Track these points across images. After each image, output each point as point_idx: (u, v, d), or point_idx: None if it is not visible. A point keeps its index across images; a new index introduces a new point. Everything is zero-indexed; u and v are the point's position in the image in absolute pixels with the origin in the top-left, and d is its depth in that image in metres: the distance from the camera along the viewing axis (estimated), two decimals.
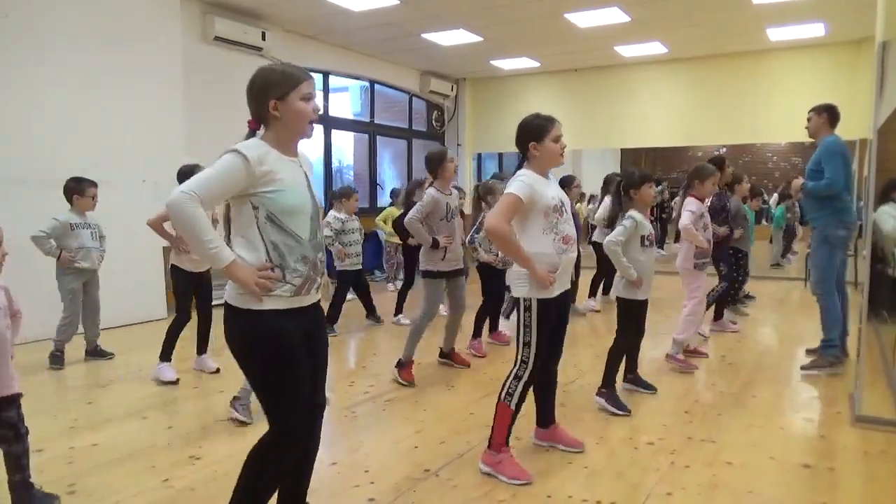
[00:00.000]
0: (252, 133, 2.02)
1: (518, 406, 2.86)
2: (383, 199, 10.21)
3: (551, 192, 2.85)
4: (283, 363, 1.97)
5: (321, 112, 2.04)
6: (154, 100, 6.46)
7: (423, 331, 4.38)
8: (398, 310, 6.40)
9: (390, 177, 11.29)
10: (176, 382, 4.25)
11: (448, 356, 4.71)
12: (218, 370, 4.45)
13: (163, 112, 6.54)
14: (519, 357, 2.86)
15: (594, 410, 3.72)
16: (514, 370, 2.86)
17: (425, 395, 4.04)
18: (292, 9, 7.50)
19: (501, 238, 2.74)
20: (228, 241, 2.01)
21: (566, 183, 6.33)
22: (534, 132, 2.85)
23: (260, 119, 2.00)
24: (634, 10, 7.59)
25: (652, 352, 4.90)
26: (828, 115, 4.52)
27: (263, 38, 7.60)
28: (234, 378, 4.17)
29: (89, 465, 2.94)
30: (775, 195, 11.12)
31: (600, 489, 2.74)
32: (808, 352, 4.82)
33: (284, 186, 1.93)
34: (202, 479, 2.84)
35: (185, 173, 4.30)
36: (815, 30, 8.36)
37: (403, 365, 4.36)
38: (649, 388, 4.00)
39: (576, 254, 2.96)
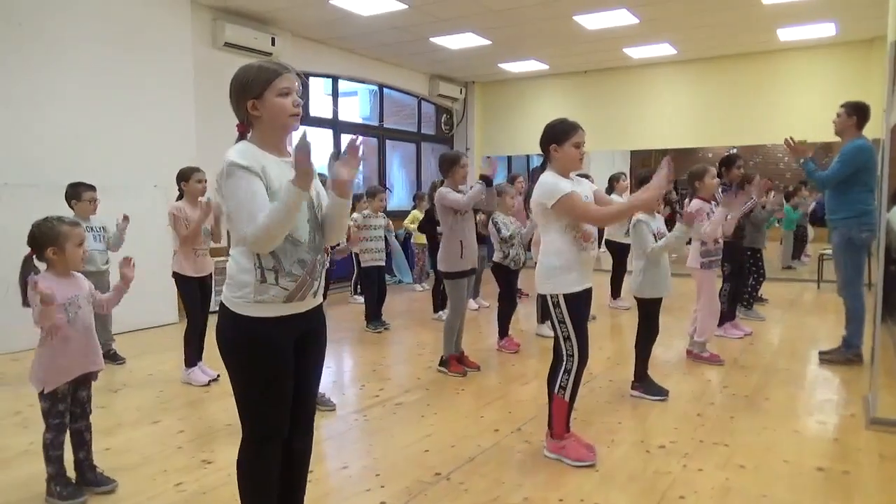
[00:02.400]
0: (242, 137, 1.96)
1: (573, 397, 3.03)
2: (392, 202, 10.22)
3: (578, 190, 2.96)
4: (266, 373, 1.93)
5: (301, 105, 1.98)
6: (165, 105, 6.51)
7: (455, 328, 4.55)
8: (441, 306, 6.48)
9: (399, 180, 11.30)
10: (208, 384, 4.32)
11: (445, 364, 4.62)
12: (218, 376, 4.39)
13: (174, 118, 6.59)
14: (564, 353, 2.99)
15: (604, 414, 3.71)
16: (564, 365, 2.99)
17: (435, 399, 4.03)
18: (301, 14, 7.54)
19: (607, 219, 3.28)
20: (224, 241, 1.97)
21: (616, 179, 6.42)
22: (556, 135, 2.99)
23: (244, 121, 1.95)
24: (643, 12, 7.57)
25: (664, 353, 4.88)
26: (857, 117, 4.47)
27: (273, 44, 7.65)
28: None
29: (103, 467, 2.94)
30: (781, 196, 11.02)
31: (612, 493, 2.72)
32: (822, 353, 4.80)
33: (276, 189, 1.85)
34: (214, 483, 2.85)
35: (182, 174, 4.47)
36: (826, 29, 8.31)
37: (447, 362, 4.57)
38: (659, 394, 3.97)
39: (595, 251, 3.12)
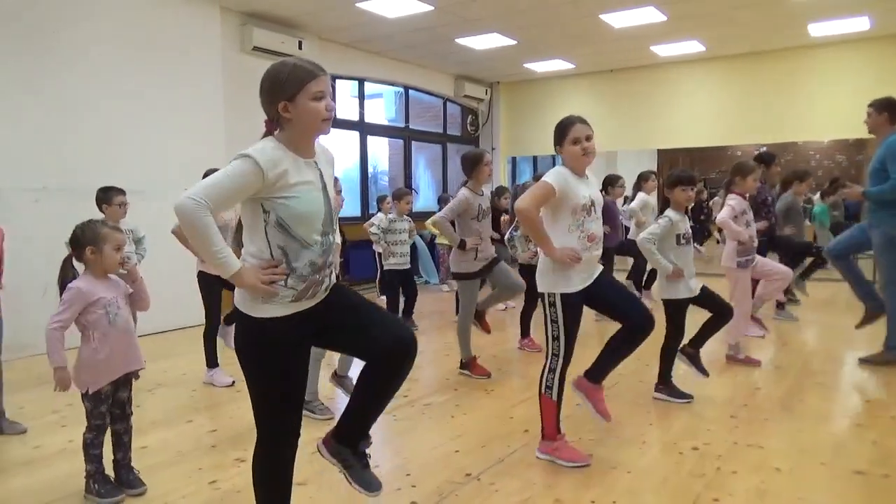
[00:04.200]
0: (269, 134, 1.94)
1: (559, 396, 2.99)
2: (418, 204, 10.25)
3: (584, 190, 2.95)
4: (276, 373, 1.94)
5: (334, 109, 1.95)
6: (195, 109, 6.62)
7: (469, 329, 4.52)
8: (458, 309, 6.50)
9: (425, 181, 11.33)
10: (232, 384, 4.36)
11: (481, 316, 4.67)
12: (234, 382, 4.43)
13: (203, 121, 6.70)
14: (550, 351, 2.99)
15: (634, 415, 3.68)
16: (548, 364, 2.99)
17: (464, 400, 4.04)
18: (328, 18, 7.61)
19: (527, 217, 2.87)
20: (238, 249, 1.96)
21: (611, 182, 6.33)
22: (556, 135, 3.01)
23: (273, 120, 1.93)
24: (671, 9, 7.49)
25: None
26: (888, 112, 4.40)
27: (300, 48, 7.73)
28: None
29: (139, 466, 2.99)
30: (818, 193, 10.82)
31: (645, 494, 2.70)
32: (862, 359, 4.70)
33: (298, 192, 1.85)
34: (248, 481, 2.82)
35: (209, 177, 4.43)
36: (860, 24, 8.13)
37: (468, 364, 4.55)
38: (683, 397, 3.92)
39: (600, 252, 3.06)
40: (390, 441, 3.39)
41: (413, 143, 10.64)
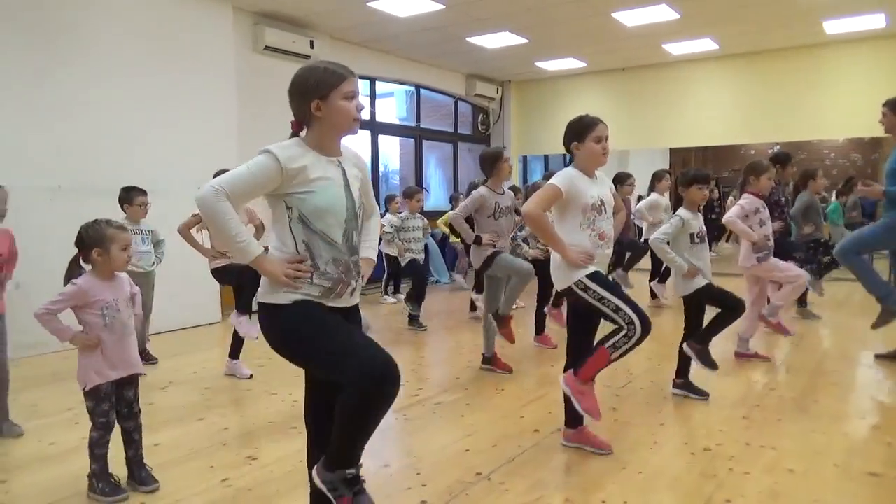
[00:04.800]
0: (295, 134, 2.00)
1: (617, 358, 2.90)
2: (429, 203, 10.26)
3: (592, 190, 2.94)
4: (327, 328, 1.91)
5: (364, 109, 2.01)
6: (207, 109, 6.66)
7: (521, 290, 4.42)
8: (473, 307, 6.56)
9: (436, 180, 11.33)
10: (251, 377, 4.42)
11: (504, 323, 4.51)
12: (251, 376, 4.48)
13: (216, 121, 6.73)
14: (623, 323, 2.84)
15: (646, 415, 3.66)
16: (625, 331, 2.85)
17: (475, 399, 4.03)
18: (340, 17, 7.62)
19: (534, 220, 2.87)
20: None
21: (621, 180, 6.30)
22: (578, 131, 2.97)
23: (302, 119, 1.98)
24: (684, 7, 7.44)
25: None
26: None
27: (312, 47, 7.76)
28: (281, 380, 4.26)
29: (152, 463, 3.01)
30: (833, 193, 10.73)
31: (656, 495, 2.69)
32: (879, 356, 4.68)
33: (317, 188, 1.91)
34: (259, 479, 2.90)
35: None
36: (876, 21, 8.03)
37: (491, 359, 4.54)
38: (701, 394, 3.90)
39: (611, 250, 3.05)
40: (401, 440, 3.40)
41: (424, 142, 10.64)
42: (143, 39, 6.11)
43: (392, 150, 10.61)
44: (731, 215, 4.51)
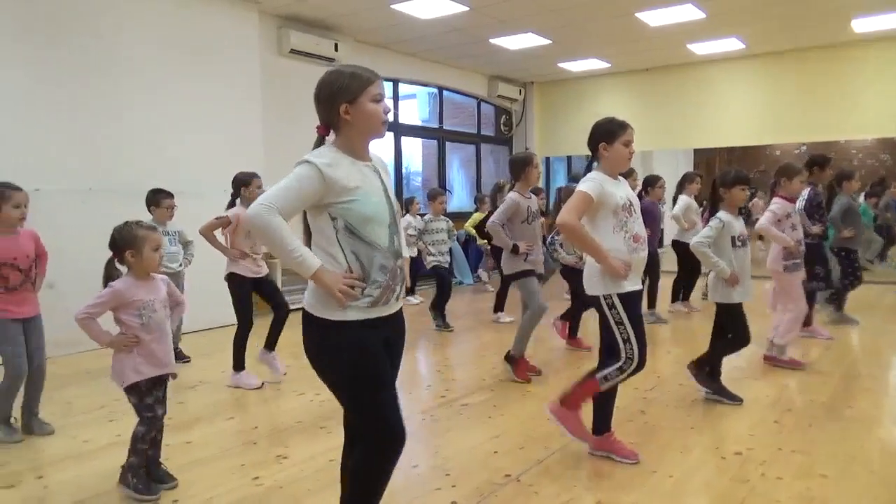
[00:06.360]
0: (321, 139, 1.98)
1: (607, 393, 2.99)
2: (452, 204, 10.27)
3: (620, 191, 2.95)
4: (369, 372, 1.94)
5: (391, 112, 2.01)
6: (234, 112, 6.74)
7: (532, 328, 4.41)
8: (497, 308, 6.54)
9: (459, 182, 11.34)
10: (261, 386, 4.36)
11: (517, 362, 4.48)
12: (263, 384, 4.42)
13: (242, 124, 6.81)
14: (623, 354, 2.89)
15: (675, 419, 3.63)
16: (620, 363, 2.90)
17: (501, 400, 4.03)
18: (363, 19, 7.67)
19: (571, 231, 2.86)
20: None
21: (650, 183, 6.25)
22: (606, 134, 2.96)
23: (330, 124, 1.96)
24: (710, 6, 7.38)
25: (736, 358, 4.73)
26: None
27: (336, 49, 7.83)
28: (309, 381, 4.29)
29: (184, 461, 3.08)
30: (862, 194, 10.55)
31: (687, 499, 2.67)
32: None
33: (359, 195, 1.89)
34: (290, 477, 2.93)
35: (239, 181, 4.42)
36: None
37: (516, 361, 4.43)
38: (734, 399, 3.85)
39: (646, 253, 3.02)
40: (428, 441, 3.41)
41: (447, 143, 10.65)
42: (171, 44, 6.20)
43: (414, 152, 10.64)
44: (763, 222, 4.43)
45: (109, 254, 2.80)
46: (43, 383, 3.57)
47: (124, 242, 2.74)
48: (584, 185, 2.89)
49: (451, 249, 6.99)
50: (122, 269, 2.81)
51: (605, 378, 2.93)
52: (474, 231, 8.33)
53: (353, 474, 2.03)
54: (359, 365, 1.93)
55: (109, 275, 2.78)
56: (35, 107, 5.32)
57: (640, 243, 2.94)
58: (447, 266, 6.18)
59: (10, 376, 3.38)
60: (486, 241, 7.68)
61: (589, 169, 3.03)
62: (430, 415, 3.79)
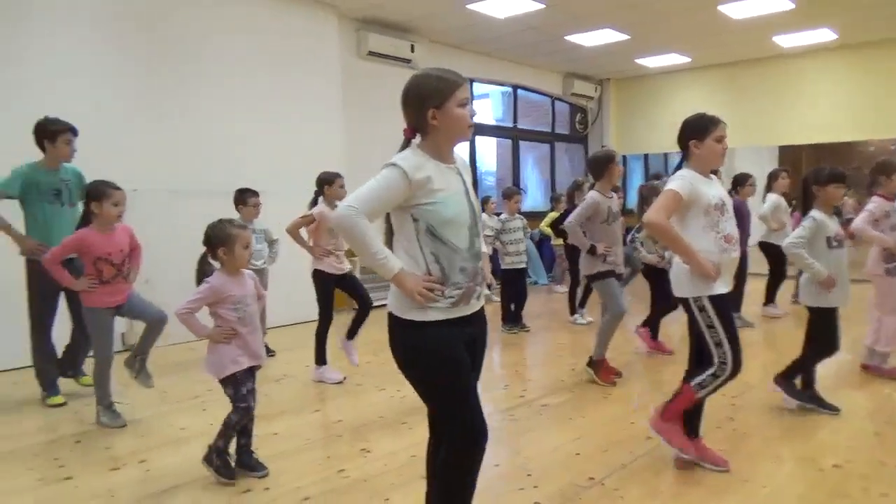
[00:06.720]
0: (407, 142, 1.99)
1: (703, 398, 2.90)
2: (526, 204, 10.21)
3: (712, 190, 2.85)
4: (451, 370, 1.96)
5: (475, 114, 2.01)
6: (315, 113, 6.94)
7: (612, 330, 4.34)
8: (572, 310, 6.50)
9: (533, 181, 11.27)
10: (342, 382, 4.47)
11: (596, 367, 4.42)
12: (345, 378, 4.53)
13: (323, 124, 7.00)
14: (716, 360, 2.81)
15: (765, 427, 3.49)
16: (714, 369, 2.82)
17: (581, 402, 3.98)
18: (440, 21, 7.73)
19: (661, 231, 2.79)
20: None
21: (740, 181, 6.01)
22: (697, 130, 2.87)
23: (417, 128, 1.98)
24: None
25: (831, 365, 4.49)
26: None
27: (412, 51, 7.93)
28: (391, 377, 4.36)
29: (272, 452, 3.18)
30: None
31: None
32: None
33: (442, 198, 1.92)
34: (374, 471, 2.99)
35: (323, 180, 4.53)
36: None
37: (597, 364, 4.37)
38: (832, 408, 3.65)
39: (738, 254, 2.90)
40: (508, 440, 3.40)
41: (521, 142, 10.60)
42: (255, 48, 6.44)
43: (487, 151, 10.64)
44: (859, 222, 4.18)
45: (198, 250, 2.94)
46: (160, 331, 3.72)
47: (217, 240, 2.87)
48: (673, 184, 2.80)
49: (526, 249, 6.96)
50: (215, 264, 2.95)
51: (700, 385, 2.85)
52: (550, 230, 8.25)
53: (439, 472, 2.07)
54: (441, 364, 1.96)
55: (202, 270, 2.93)
56: (132, 112, 5.64)
57: (732, 244, 2.83)
58: (524, 266, 6.13)
59: (100, 361, 3.62)
60: (561, 239, 7.58)
61: (679, 167, 2.93)
62: (510, 414, 3.78)
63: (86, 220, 3.58)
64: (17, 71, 5.02)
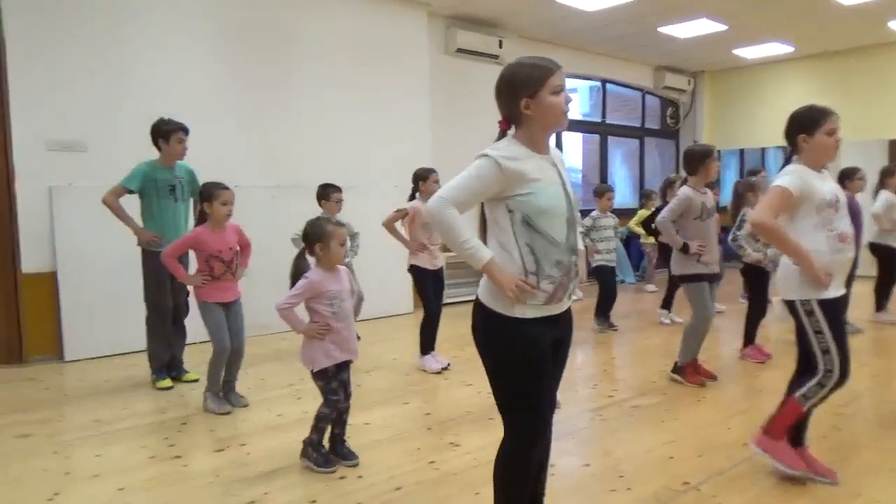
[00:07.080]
0: (503, 134, 1.96)
1: (811, 409, 2.76)
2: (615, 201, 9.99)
3: (825, 186, 2.68)
4: (530, 372, 1.94)
5: (571, 101, 1.96)
6: (404, 110, 7.06)
7: (699, 335, 4.18)
8: (665, 306, 6.39)
9: (621, 178, 11.01)
10: (440, 371, 4.57)
11: (680, 371, 4.29)
12: (448, 365, 4.62)
13: (412, 122, 7.11)
14: (821, 367, 2.67)
15: (876, 438, 3.28)
16: (819, 378, 2.68)
17: (674, 405, 3.87)
18: (529, 15, 7.67)
19: (769, 232, 2.66)
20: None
21: (848, 175, 5.65)
22: (805, 124, 2.71)
23: (512, 119, 1.94)
24: None
25: None
26: None
27: (500, 46, 7.91)
28: (478, 373, 4.39)
29: (364, 441, 3.28)
30: None
31: None
32: None
33: (538, 188, 1.88)
34: (464, 465, 3.02)
35: (418, 176, 4.63)
36: None
37: (682, 369, 4.25)
38: None
39: (854, 253, 2.74)
40: (599, 440, 3.36)
41: (609, 137, 10.37)
42: (348, 48, 6.61)
43: (573, 147, 10.47)
44: None
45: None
46: (241, 362, 3.97)
47: (315, 236, 2.97)
48: (781, 180, 2.66)
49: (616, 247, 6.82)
50: (311, 260, 3.05)
51: (805, 396, 2.70)
52: (641, 229, 8.03)
53: (495, 463, 2.08)
54: (520, 365, 1.94)
55: (299, 265, 3.03)
56: (235, 111, 5.91)
57: (847, 243, 2.66)
58: (613, 265, 6.01)
59: (216, 351, 3.81)
60: (652, 238, 7.38)
61: (787, 162, 2.78)
62: (599, 414, 3.72)
63: (201, 219, 3.82)
64: (131, 77, 5.37)
